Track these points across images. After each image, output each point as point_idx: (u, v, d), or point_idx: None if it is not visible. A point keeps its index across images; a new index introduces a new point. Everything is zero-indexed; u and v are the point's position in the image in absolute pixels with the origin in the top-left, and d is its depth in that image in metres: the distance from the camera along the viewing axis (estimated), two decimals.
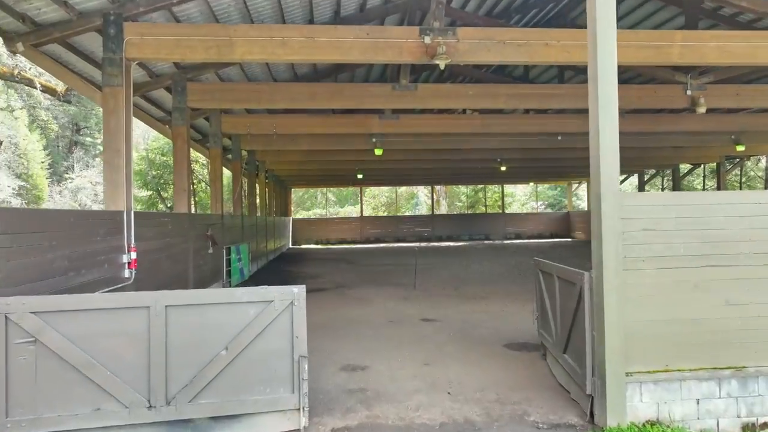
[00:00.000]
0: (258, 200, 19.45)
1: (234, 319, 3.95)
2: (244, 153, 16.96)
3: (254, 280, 14.11)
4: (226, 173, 20.18)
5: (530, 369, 5.76)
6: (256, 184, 18.10)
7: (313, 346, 6.84)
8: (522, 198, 46.00)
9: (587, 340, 4.11)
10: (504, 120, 12.79)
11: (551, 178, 32.73)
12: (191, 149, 18.34)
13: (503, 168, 20.91)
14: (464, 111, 16.14)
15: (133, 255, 6.15)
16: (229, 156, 14.88)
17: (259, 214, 19.31)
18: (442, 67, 6.40)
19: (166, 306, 3.83)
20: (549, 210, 42.64)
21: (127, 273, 6.08)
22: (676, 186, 24.36)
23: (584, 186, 34.56)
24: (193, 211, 23.57)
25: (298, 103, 9.08)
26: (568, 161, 21.12)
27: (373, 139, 14.42)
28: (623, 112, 12.88)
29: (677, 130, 14.17)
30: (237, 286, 12.71)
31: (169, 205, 25.81)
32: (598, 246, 3.97)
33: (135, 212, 6.38)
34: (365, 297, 10.93)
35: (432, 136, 15.94)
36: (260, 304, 3.99)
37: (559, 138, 15.20)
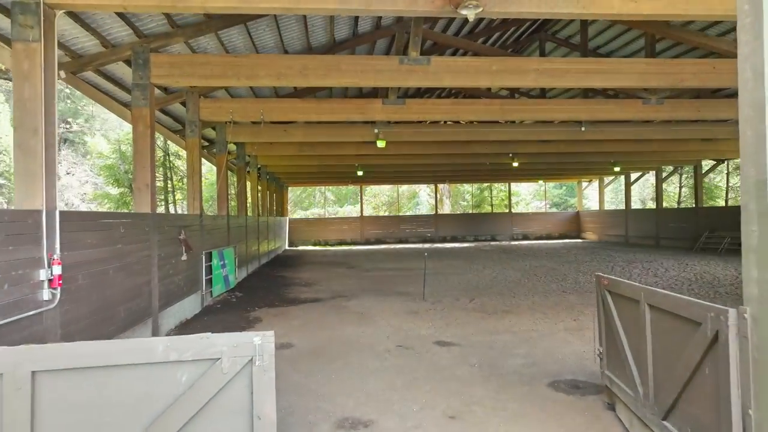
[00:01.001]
0: (249, 199, 17.87)
1: (154, 391, 2.37)
2: (232, 146, 15.40)
3: (242, 287, 12.54)
4: (215, 170, 18.59)
5: (596, 427, 4.18)
6: (247, 181, 16.50)
7: (302, 386, 5.27)
8: (527, 197, 44.49)
9: (735, 418, 2.53)
10: (525, 105, 11.19)
11: (561, 176, 31.09)
12: (173, 143, 16.79)
13: (515, 163, 19.31)
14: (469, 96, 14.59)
15: (57, 269, 4.57)
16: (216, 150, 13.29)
17: (249, 213, 17.72)
18: (471, 18, 4.83)
19: (33, 372, 2.26)
20: (554, 209, 41.08)
21: (46, 294, 4.50)
22: (699, 184, 22.77)
23: (595, 184, 32.97)
24: (173, 211, 21.91)
25: (285, 80, 7.49)
26: (584, 156, 19.52)
27: (376, 130, 12.83)
28: (662, 98, 11.37)
29: (715, 117, 12.62)
30: (220, 295, 11.13)
31: None
32: (762, 266, 2.38)
33: (63, 212, 4.80)
34: (367, 311, 9.35)
35: (441, 128, 14.38)
36: (198, 365, 2.41)
37: (582, 129, 13.62)
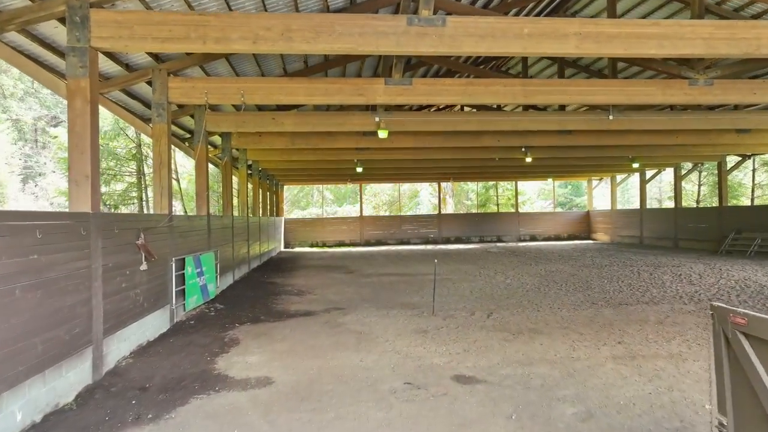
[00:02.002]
0: (239, 197, 16.33)
1: None
2: (218, 139, 13.85)
3: (224, 297, 10.97)
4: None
5: None
6: (233, 177, 14.94)
7: None
8: (532, 196, 42.99)
9: None
10: (550, 86, 9.62)
11: (573, 173, 29.43)
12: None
13: (528, 159, 17.73)
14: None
15: None
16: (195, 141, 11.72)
17: (238, 213, 16.17)
18: None
19: None
20: (559, 209, 39.53)
21: None
22: (723, 181, 21.21)
23: (606, 182, 31.39)
24: (146, 211, 20.18)
25: (264, 45, 5.94)
26: (602, 150, 17.94)
27: (377, 118, 11.27)
28: (711, 78, 9.82)
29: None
30: (197, 308, 9.57)
31: (108, 203, 22.16)
32: None
33: None
34: (367, 330, 7.80)
35: (449, 116, 12.82)
36: None
37: (610, 117, 12.08)
